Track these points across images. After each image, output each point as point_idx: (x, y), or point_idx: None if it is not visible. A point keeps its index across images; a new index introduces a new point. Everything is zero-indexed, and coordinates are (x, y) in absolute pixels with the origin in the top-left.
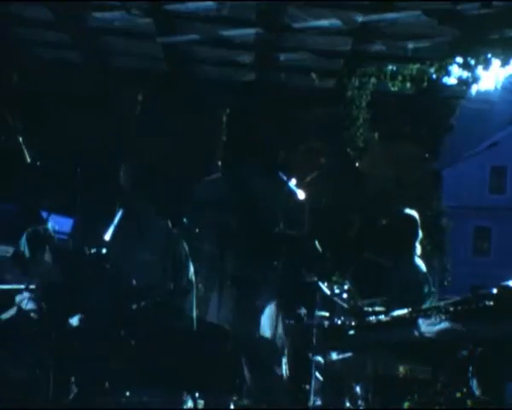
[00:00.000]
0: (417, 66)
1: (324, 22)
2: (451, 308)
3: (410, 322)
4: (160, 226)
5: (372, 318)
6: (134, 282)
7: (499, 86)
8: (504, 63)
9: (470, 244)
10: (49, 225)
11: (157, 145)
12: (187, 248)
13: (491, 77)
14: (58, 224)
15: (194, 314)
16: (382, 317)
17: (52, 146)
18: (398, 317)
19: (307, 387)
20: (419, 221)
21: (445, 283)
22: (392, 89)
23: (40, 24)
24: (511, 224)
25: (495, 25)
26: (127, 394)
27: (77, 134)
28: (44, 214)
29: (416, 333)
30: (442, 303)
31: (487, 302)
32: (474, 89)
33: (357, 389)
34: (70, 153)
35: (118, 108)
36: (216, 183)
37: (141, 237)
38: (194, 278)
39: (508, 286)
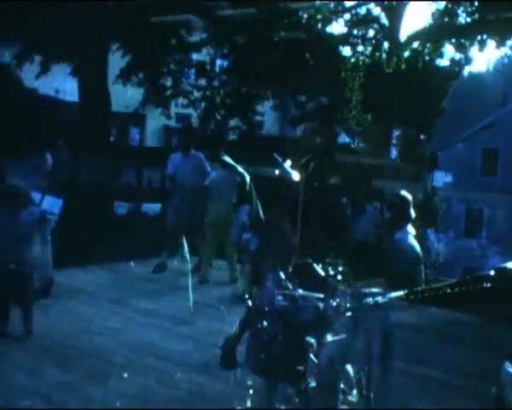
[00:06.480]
0: (412, 47)
1: (318, 3)
2: (448, 290)
3: (405, 305)
4: None
5: (369, 299)
6: None
7: (491, 68)
8: (500, 44)
9: (462, 226)
10: None
11: None
12: None
13: (483, 59)
14: (51, 205)
15: None
16: (379, 299)
17: None
18: (395, 299)
19: (302, 369)
20: (411, 202)
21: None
22: (387, 70)
23: None
24: (502, 206)
25: (491, 7)
26: None
27: None
28: (38, 196)
29: (411, 316)
30: (438, 285)
31: (485, 284)
32: (467, 70)
33: (352, 371)
34: None
35: None
36: None
37: None
38: None
39: (505, 268)
